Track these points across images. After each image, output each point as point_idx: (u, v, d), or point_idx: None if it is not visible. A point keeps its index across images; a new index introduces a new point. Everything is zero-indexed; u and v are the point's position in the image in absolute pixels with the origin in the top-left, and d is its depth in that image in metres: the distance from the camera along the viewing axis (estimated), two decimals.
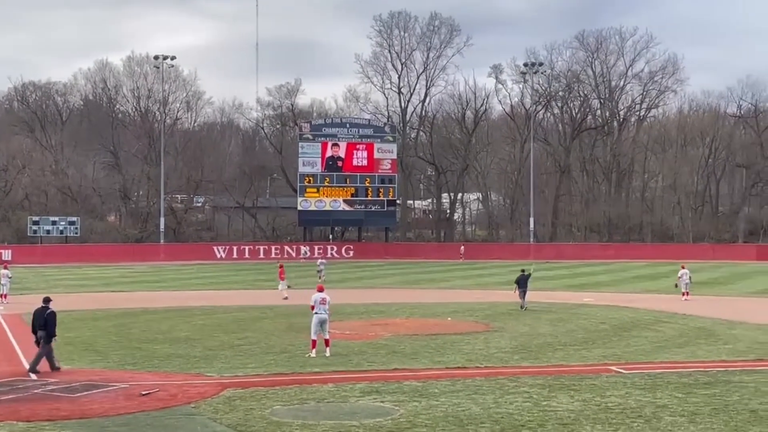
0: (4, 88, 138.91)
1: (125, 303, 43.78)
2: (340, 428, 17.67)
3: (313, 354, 26.38)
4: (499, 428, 17.76)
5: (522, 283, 43.68)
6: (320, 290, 27.48)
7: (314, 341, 26.66)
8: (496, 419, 18.52)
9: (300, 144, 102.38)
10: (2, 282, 46.88)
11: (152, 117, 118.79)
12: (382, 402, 20.34)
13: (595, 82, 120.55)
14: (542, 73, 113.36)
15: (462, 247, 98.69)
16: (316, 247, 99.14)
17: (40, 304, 25.30)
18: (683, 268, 49.65)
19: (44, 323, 24.64)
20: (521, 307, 42.61)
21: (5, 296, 46.19)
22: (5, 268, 49.32)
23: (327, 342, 26.79)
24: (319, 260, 70.91)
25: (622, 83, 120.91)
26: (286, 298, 46.16)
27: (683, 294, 47.82)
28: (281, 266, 52.40)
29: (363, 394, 21.23)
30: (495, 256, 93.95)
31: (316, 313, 26.81)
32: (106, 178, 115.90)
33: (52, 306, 25.26)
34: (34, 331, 24.79)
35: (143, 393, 21.02)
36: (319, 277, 63.46)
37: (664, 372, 24.42)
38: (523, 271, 44.79)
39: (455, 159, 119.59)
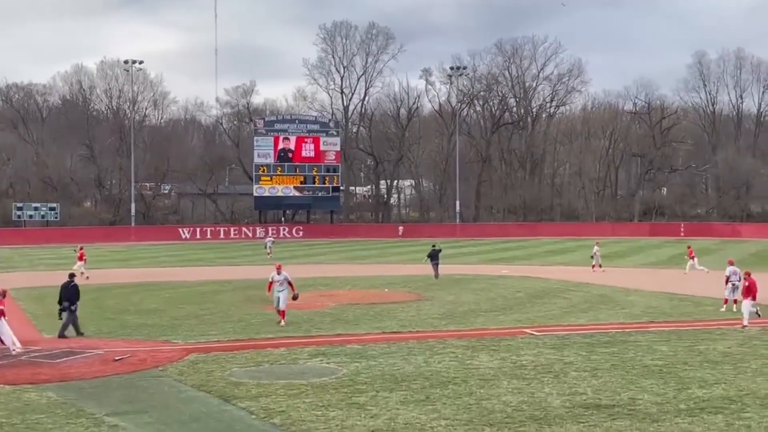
0: None
1: (100, 279, 43.04)
2: (290, 387, 17.64)
3: (283, 323, 26.14)
4: (429, 384, 17.86)
5: (434, 256, 44.02)
6: (279, 270, 26.90)
7: (279, 311, 26.60)
8: (426, 376, 18.62)
9: (255, 138, 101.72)
10: None
11: (123, 114, 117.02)
12: (327, 363, 20.34)
13: (511, 83, 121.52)
14: (466, 75, 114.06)
15: (400, 228, 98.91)
16: (269, 228, 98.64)
17: (23, 280, 25.09)
18: (597, 244, 50.10)
19: (69, 295, 24.66)
20: (435, 277, 42.81)
21: None
22: None
23: (282, 313, 26.48)
24: (267, 238, 70.43)
25: (534, 84, 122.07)
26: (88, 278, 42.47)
27: (593, 267, 48.14)
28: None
29: (311, 357, 21.21)
30: (427, 235, 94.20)
31: (275, 290, 26.63)
32: (83, 168, 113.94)
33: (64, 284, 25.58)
34: (60, 302, 24.89)
35: (116, 358, 20.78)
36: (267, 254, 63.10)
37: (570, 333, 24.75)
38: (434, 246, 45.13)
39: (391, 150, 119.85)
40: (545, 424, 14.58)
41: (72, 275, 26.23)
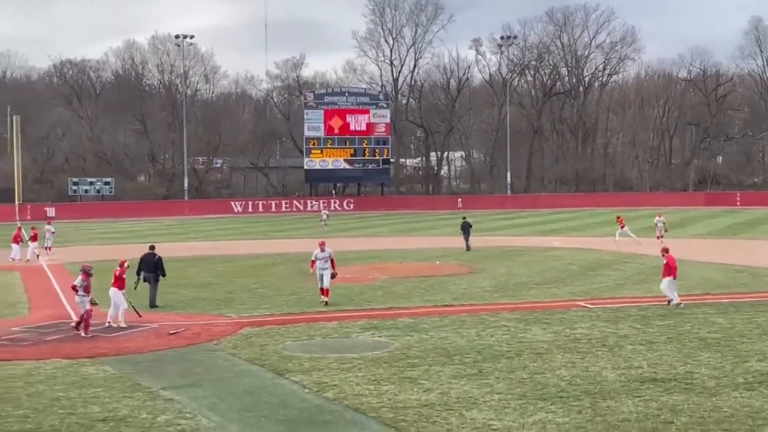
0: (45, 65, 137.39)
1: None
2: (343, 360, 17.68)
3: (325, 299, 25.28)
4: (482, 358, 17.79)
5: (465, 229, 43.87)
6: (322, 247, 25.85)
7: (322, 289, 25.63)
8: (479, 350, 18.54)
9: (305, 111, 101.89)
10: (46, 236, 46.49)
11: (175, 89, 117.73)
12: (379, 337, 20.36)
13: (563, 52, 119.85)
14: (516, 45, 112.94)
15: (459, 200, 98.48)
16: (321, 201, 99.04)
17: (78, 255, 25.44)
18: (660, 215, 49.00)
19: (154, 266, 25.18)
20: (467, 250, 42.64)
21: (49, 249, 45.71)
22: (49, 223, 48.98)
23: (326, 291, 25.47)
24: (323, 211, 70.54)
25: (586, 53, 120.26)
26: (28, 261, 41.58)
27: (658, 238, 47.13)
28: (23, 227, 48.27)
29: (363, 330, 21.24)
30: (479, 206, 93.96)
31: (318, 267, 25.52)
32: (136, 143, 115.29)
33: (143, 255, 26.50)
34: (138, 272, 25.38)
35: (171, 332, 21.02)
36: (323, 226, 63.31)
37: (625, 306, 24.45)
38: (464, 218, 44.92)
39: (441, 122, 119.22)
40: (600, 399, 14.44)
41: (152, 247, 26.44)
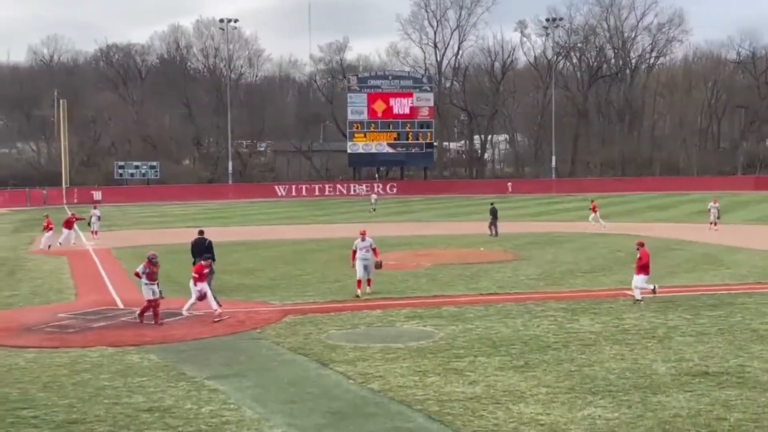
0: (91, 49, 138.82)
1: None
2: (387, 350, 17.51)
3: (359, 293, 24.31)
4: (528, 349, 17.51)
5: (494, 215, 43.53)
6: (363, 236, 24.76)
7: (360, 281, 24.55)
8: (525, 341, 18.27)
9: (348, 95, 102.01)
10: (92, 220, 46.82)
11: (219, 73, 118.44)
12: (424, 326, 20.16)
13: (609, 34, 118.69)
14: (562, 27, 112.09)
15: (509, 184, 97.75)
16: (364, 185, 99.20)
17: (128, 239, 25.36)
18: (715, 201, 48.02)
19: (206, 251, 24.78)
20: (494, 235, 42.68)
21: (95, 233, 46.14)
22: (95, 207, 49.37)
23: (369, 281, 24.63)
24: (372, 195, 70.29)
25: (633, 35, 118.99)
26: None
27: (711, 224, 46.37)
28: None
29: (407, 319, 21.05)
30: (524, 191, 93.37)
31: (359, 257, 24.43)
32: (181, 127, 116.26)
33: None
34: (194, 256, 24.91)
35: (216, 320, 21.01)
36: (371, 210, 63.25)
37: (674, 296, 23.95)
38: (492, 204, 44.62)
39: (485, 105, 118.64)
40: (650, 393, 14.10)
41: (201, 231, 26.24)
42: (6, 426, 12.72)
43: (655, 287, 23.17)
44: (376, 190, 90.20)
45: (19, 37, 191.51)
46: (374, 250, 24.70)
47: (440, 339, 18.58)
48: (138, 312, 21.12)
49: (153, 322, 20.46)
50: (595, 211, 48.61)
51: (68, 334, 19.72)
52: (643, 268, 23.09)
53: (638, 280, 23.17)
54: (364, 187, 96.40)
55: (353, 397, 14.27)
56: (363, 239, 24.63)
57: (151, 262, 20.92)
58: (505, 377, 15.29)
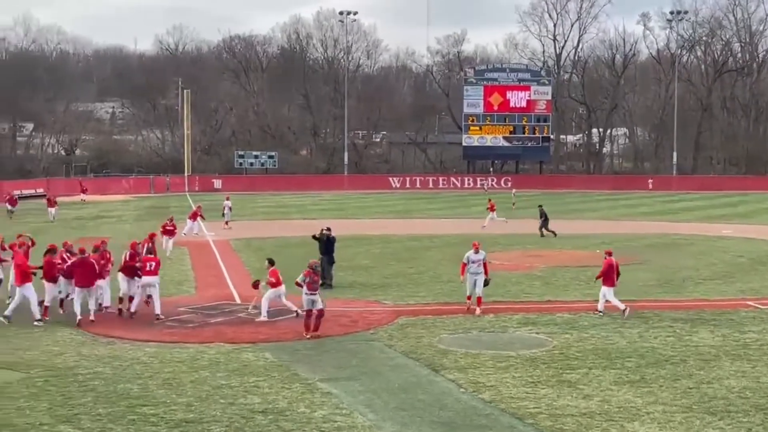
0: (215, 39, 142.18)
1: (315, 230, 43.97)
2: (499, 358, 17.40)
3: (479, 312, 22.04)
4: (644, 362, 17.10)
5: (544, 216, 42.93)
6: (476, 249, 22.53)
7: (470, 297, 22.48)
8: (641, 353, 17.83)
9: (465, 87, 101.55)
10: (225, 211, 47.86)
11: (337, 64, 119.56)
12: (537, 333, 19.91)
13: (736, 26, 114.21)
14: (687, 19, 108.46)
15: (650, 181, 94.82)
16: (478, 179, 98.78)
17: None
18: None
19: (331, 247, 25.26)
20: (541, 236, 42.07)
21: (227, 224, 46.94)
22: (227, 199, 50.28)
23: (479, 300, 22.24)
24: (514, 190, 68.94)
25: (761, 28, 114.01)
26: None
27: None
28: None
29: (520, 325, 20.83)
30: (641, 187, 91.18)
31: (469, 271, 22.30)
32: (299, 117, 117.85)
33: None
34: (322, 253, 25.55)
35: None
36: (512, 206, 62.91)
37: None
38: (540, 206, 43.56)
39: (605, 98, 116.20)
40: None
41: (329, 228, 26.40)
42: (126, 423, 13.16)
43: (625, 309, 21.85)
44: (481, 182, 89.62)
45: (147, 26, 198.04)
46: (485, 265, 22.46)
47: (553, 348, 18.34)
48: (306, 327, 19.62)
49: (304, 334, 19.29)
50: (492, 210, 47.82)
51: (188, 329, 20.28)
52: (609, 279, 22.19)
53: (609, 292, 22.19)
54: (488, 180, 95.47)
55: (464, 407, 14.23)
56: (476, 252, 22.40)
57: (313, 270, 19.60)
58: (620, 392, 15.00)
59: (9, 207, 56.33)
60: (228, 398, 14.49)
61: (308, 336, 19.16)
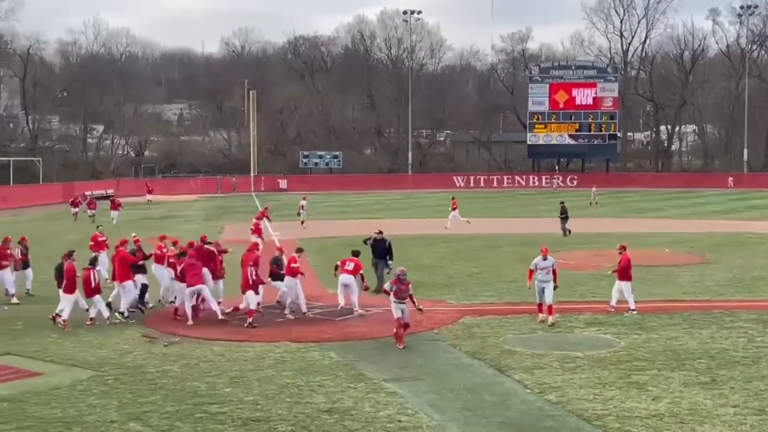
0: (280, 41, 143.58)
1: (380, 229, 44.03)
2: (565, 359, 17.19)
3: (538, 318, 20.95)
4: (715, 364, 16.72)
5: (565, 213, 42.34)
6: (545, 255, 21.19)
7: (540, 305, 21.07)
8: (712, 354, 17.46)
9: (530, 85, 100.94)
10: (300, 211, 48.49)
11: (401, 64, 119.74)
12: (604, 334, 19.63)
13: None
14: (758, 14, 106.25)
15: (730, 179, 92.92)
16: (543, 177, 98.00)
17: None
18: None
19: (384, 252, 25.14)
20: (564, 235, 41.34)
21: (303, 223, 47.59)
22: (303, 198, 50.74)
23: (549, 309, 20.82)
24: (593, 188, 68.21)
25: None
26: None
27: None
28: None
29: (587, 326, 20.56)
30: (708, 185, 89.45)
31: (537, 279, 20.98)
32: (363, 117, 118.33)
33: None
34: (375, 257, 25.55)
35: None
36: (592, 202, 62.35)
37: None
38: (562, 203, 42.80)
39: (673, 95, 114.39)
40: None
41: (381, 231, 26.14)
42: (193, 421, 13.31)
43: (634, 310, 21.78)
44: (550, 179, 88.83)
45: (213, 29, 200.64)
46: (554, 272, 21.04)
47: (621, 349, 18.06)
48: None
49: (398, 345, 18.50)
50: (454, 208, 47.21)
51: (254, 327, 20.43)
52: (624, 273, 21.95)
53: (626, 287, 21.98)
54: (557, 179, 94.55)
55: (529, 408, 14.09)
56: (544, 258, 20.99)
57: (399, 279, 18.80)
58: (690, 394, 14.70)
59: (89, 211, 55.76)
60: (294, 397, 14.57)
61: (401, 347, 18.29)
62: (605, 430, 12.97)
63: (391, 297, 18.74)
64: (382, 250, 25.18)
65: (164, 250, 23.49)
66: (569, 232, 41.92)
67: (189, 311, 21.01)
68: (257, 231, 36.63)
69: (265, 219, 42.05)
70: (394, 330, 18.64)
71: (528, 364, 16.85)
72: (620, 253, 22.26)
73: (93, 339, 19.33)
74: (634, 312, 21.67)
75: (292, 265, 22.12)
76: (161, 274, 23.39)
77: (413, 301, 18.90)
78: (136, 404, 14.19)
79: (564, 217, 42.67)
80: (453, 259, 33.50)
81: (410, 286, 19.03)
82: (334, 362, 17.10)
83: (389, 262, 25.23)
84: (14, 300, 24.37)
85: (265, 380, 15.67)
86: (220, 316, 21.07)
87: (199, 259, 21.81)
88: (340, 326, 20.64)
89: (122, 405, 14.16)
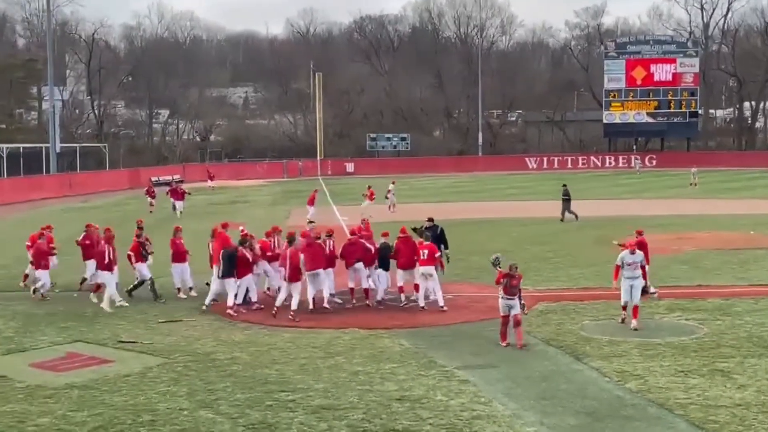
0: (345, 21, 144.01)
1: (450, 214, 43.81)
2: (645, 346, 16.98)
3: (623, 318, 19.21)
4: None
5: (567, 196, 41.28)
6: (633, 250, 19.39)
7: (625, 307, 19.20)
8: None
9: (605, 62, 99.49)
10: (389, 195, 48.96)
11: (471, 42, 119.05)
12: (686, 320, 19.33)
13: None
14: None
15: None
16: (620, 157, 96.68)
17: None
18: None
19: (437, 239, 25.06)
20: (575, 218, 40.53)
21: (392, 207, 47.89)
22: (393, 183, 51.01)
23: (635, 310, 18.92)
24: (693, 168, 66.96)
25: None
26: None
27: None
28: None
29: (668, 311, 20.27)
30: None
31: (624, 276, 19.14)
32: (432, 98, 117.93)
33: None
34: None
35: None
36: (693, 182, 61.43)
37: None
38: (564, 185, 41.52)
39: (757, 70, 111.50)
40: None
41: (432, 219, 25.08)
42: (263, 408, 13.49)
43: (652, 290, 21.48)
44: (634, 159, 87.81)
45: (278, 10, 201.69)
46: (643, 268, 19.56)
47: (704, 335, 17.77)
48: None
49: (502, 343, 17.52)
50: (371, 199, 46.55)
51: (323, 314, 20.60)
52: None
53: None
54: (640, 160, 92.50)
55: (608, 397, 13.97)
56: (632, 252, 19.31)
57: (510, 274, 17.53)
58: None
59: (149, 200, 52.06)
60: (364, 384, 14.67)
61: (504, 344, 17.40)
62: (688, 419, 12.79)
63: (500, 292, 17.62)
64: (434, 238, 24.85)
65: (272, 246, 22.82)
66: (576, 216, 40.86)
67: (311, 298, 20.89)
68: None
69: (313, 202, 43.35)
70: (500, 328, 17.63)
71: (606, 351, 16.69)
72: (637, 238, 21.05)
73: (163, 327, 19.70)
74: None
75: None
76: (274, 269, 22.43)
77: (520, 298, 17.64)
78: (206, 392, 14.42)
79: (566, 199, 41.66)
80: (525, 243, 33.19)
81: (521, 280, 17.85)
82: (405, 349, 17.16)
83: (445, 251, 24.88)
84: (181, 295, 23.35)
85: (334, 367, 15.81)
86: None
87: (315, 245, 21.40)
88: (409, 312, 20.69)
89: (192, 392, 14.41)
